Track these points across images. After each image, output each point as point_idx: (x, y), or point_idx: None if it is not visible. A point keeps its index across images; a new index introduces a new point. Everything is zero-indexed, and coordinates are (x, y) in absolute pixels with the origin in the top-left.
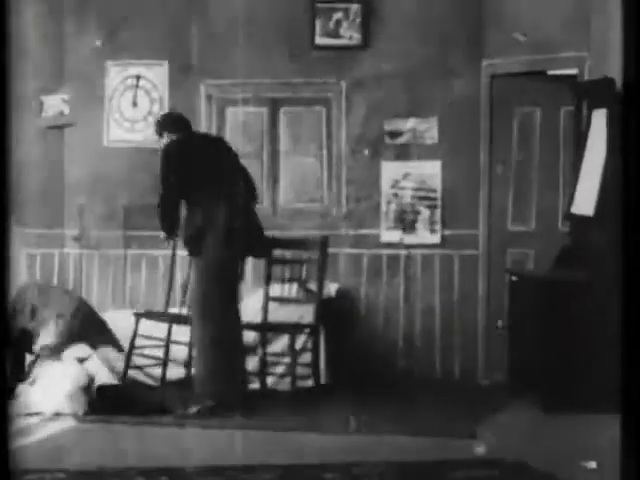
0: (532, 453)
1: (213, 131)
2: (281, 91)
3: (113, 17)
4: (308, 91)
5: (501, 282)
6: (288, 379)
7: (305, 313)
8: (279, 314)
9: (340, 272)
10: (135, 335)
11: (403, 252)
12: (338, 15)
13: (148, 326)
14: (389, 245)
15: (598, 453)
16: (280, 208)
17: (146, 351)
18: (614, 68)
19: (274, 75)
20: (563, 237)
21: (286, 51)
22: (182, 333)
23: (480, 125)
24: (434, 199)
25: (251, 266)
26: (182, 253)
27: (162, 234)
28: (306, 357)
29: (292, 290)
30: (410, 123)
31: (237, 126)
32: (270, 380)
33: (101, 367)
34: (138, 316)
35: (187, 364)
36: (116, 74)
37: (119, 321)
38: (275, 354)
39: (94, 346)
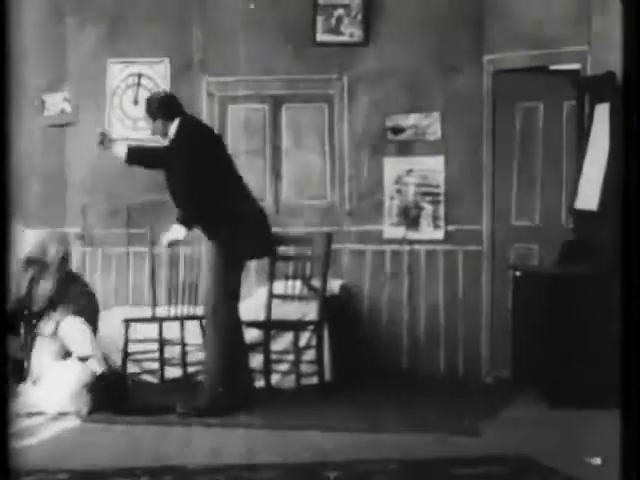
0: (537, 449)
1: (215, 129)
2: (283, 88)
3: (114, 15)
4: (310, 88)
5: (505, 277)
6: (292, 376)
7: (309, 310)
8: (283, 311)
9: (344, 269)
10: (127, 341)
11: (406, 248)
12: (339, 12)
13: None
14: (392, 241)
15: (603, 448)
16: (283, 205)
17: (144, 350)
18: (616, 62)
19: (276, 72)
20: (567, 232)
21: (288, 48)
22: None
23: (483, 120)
24: (437, 195)
25: (255, 263)
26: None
27: (171, 234)
28: (310, 354)
29: (296, 287)
30: (412, 119)
31: (239, 123)
32: (274, 377)
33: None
34: (127, 322)
35: (182, 363)
36: (118, 72)
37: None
38: (279, 351)
39: (81, 313)
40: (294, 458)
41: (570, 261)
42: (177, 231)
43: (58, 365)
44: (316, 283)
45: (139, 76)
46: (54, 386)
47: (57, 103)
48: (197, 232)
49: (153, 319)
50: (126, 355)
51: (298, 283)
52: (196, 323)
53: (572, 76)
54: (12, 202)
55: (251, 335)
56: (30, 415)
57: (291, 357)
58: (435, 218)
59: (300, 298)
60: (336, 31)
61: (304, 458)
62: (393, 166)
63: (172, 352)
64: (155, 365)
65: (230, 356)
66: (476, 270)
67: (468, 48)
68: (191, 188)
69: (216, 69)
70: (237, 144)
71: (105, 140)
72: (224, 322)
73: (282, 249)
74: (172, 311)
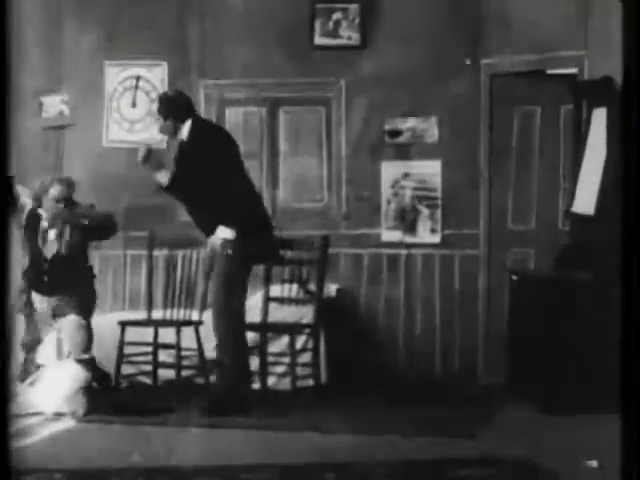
0: (533, 452)
1: None
2: (280, 91)
3: (112, 17)
4: (307, 91)
5: (501, 282)
6: (288, 379)
7: (305, 313)
8: (279, 314)
9: (340, 272)
10: (122, 344)
11: (403, 252)
12: (337, 15)
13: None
14: (389, 245)
15: (599, 452)
16: (280, 208)
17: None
18: (613, 67)
19: (273, 75)
20: (564, 236)
21: (285, 51)
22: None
23: (480, 124)
24: (434, 198)
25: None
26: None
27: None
28: (306, 357)
29: (292, 290)
30: (410, 122)
31: (237, 126)
32: (270, 380)
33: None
34: (123, 324)
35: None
36: (115, 75)
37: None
38: (275, 354)
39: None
40: (289, 460)
41: (567, 265)
42: (225, 231)
43: (55, 366)
44: (313, 286)
45: (137, 79)
46: (51, 387)
47: (55, 105)
48: (194, 234)
49: (149, 322)
50: (121, 357)
51: (295, 286)
52: (191, 327)
53: (569, 80)
54: (11, 203)
55: (248, 338)
56: (28, 415)
57: (287, 360)
58: (432, 222)
59: (297, 301)
60: (334, 34)
61: (300, 460)
62: (390, 169)
63: (167, 355)
64: (150, 367)
65: (243, 356)
66: (473, 274)
67: (465, 52)
68: (205, 191)
69: (214, 72)
70: None
71: (150, 158)
72: (234, 324)
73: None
74: (168, 314)
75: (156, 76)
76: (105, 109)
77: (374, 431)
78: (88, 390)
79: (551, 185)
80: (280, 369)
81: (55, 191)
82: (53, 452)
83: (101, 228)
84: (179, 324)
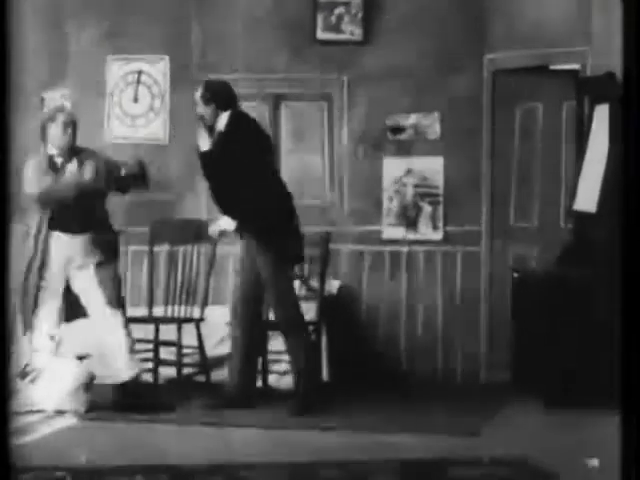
0: (534, 450)
1: None
2: (282, 86)
3: (114, 12)
4: (310, 86)
5: (504, 279)
6: (290, 376)
7: (307, 310)
8: None
9: (342, 269)
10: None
11: (405, 248)
12: (340, 10)
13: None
14: (391, 242)
15: (601, 450)
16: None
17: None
18: (616, 63)
19: (275, 70)
20: (566, 233)
21: (287, 46)
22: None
23: (482, 120)
24: (436, 195)
25: None
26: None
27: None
28: None
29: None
30: (412, 119)
31: None
32: (271, 377)
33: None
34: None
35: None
36: (117, 69)
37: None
38: (277, 352)
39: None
40: (291, 458)
41: (569, 262)
42: (227, 222)
43: (56, 363)
44: (314, 283)
45: (139, 73)
46: (52, 384)
47: (56, 100)
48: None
49: (149, 319)
50: None
51: (297, 283)
52: (192, 324)
53: (572, 76)
54: (11, 202)
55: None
56: (29, 413)
57: (289, 357)
58: (434, 219)
59: (298, 298)
60: (336, 29)
61: (300, 458)
62: (392, 166)
63: (168, 352)
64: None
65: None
66: (475, 271)
67: (468, 47)
68: (237, 184)
69: (216, 67)
70: None
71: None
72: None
73: None
74: (169, 311)
75: (158, 71)
76: (107, 104)
77: (375, 429)
78: (88, 388)
79: (553, 182)
80: (281, 367)
81: (61, 117)
82: (54, 449)
83: (136, 178)
84: (180, 321)
